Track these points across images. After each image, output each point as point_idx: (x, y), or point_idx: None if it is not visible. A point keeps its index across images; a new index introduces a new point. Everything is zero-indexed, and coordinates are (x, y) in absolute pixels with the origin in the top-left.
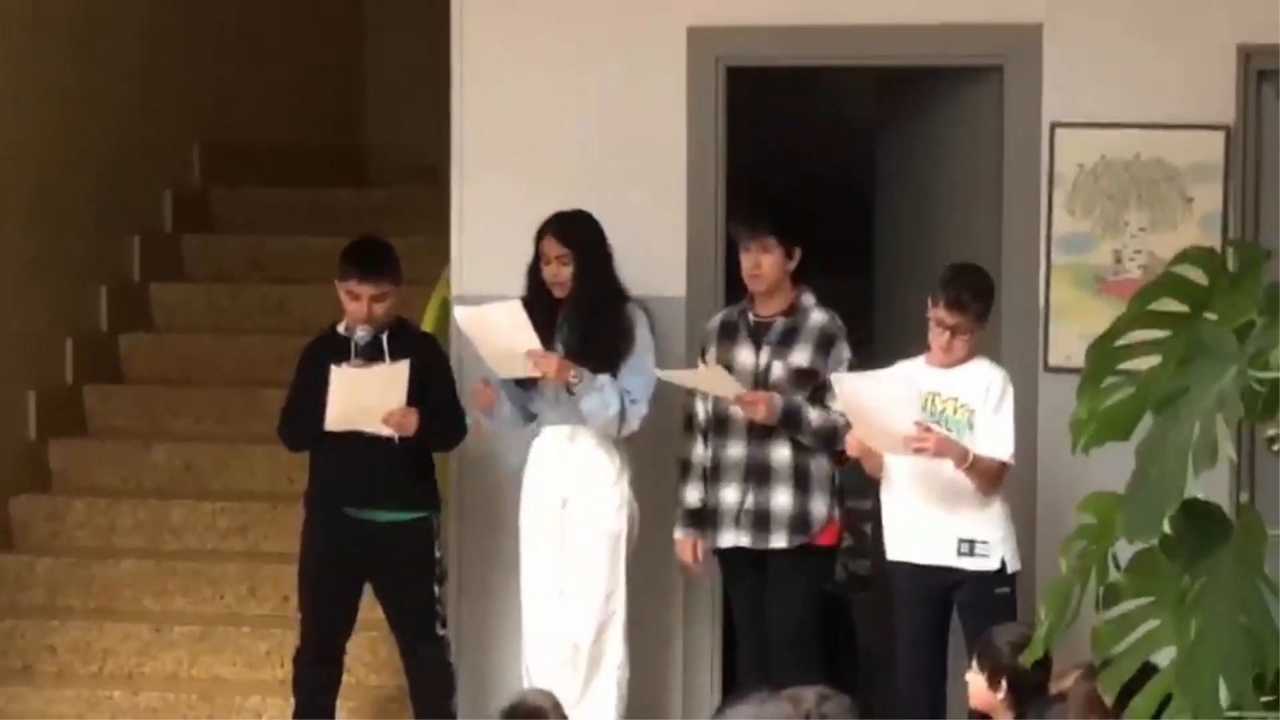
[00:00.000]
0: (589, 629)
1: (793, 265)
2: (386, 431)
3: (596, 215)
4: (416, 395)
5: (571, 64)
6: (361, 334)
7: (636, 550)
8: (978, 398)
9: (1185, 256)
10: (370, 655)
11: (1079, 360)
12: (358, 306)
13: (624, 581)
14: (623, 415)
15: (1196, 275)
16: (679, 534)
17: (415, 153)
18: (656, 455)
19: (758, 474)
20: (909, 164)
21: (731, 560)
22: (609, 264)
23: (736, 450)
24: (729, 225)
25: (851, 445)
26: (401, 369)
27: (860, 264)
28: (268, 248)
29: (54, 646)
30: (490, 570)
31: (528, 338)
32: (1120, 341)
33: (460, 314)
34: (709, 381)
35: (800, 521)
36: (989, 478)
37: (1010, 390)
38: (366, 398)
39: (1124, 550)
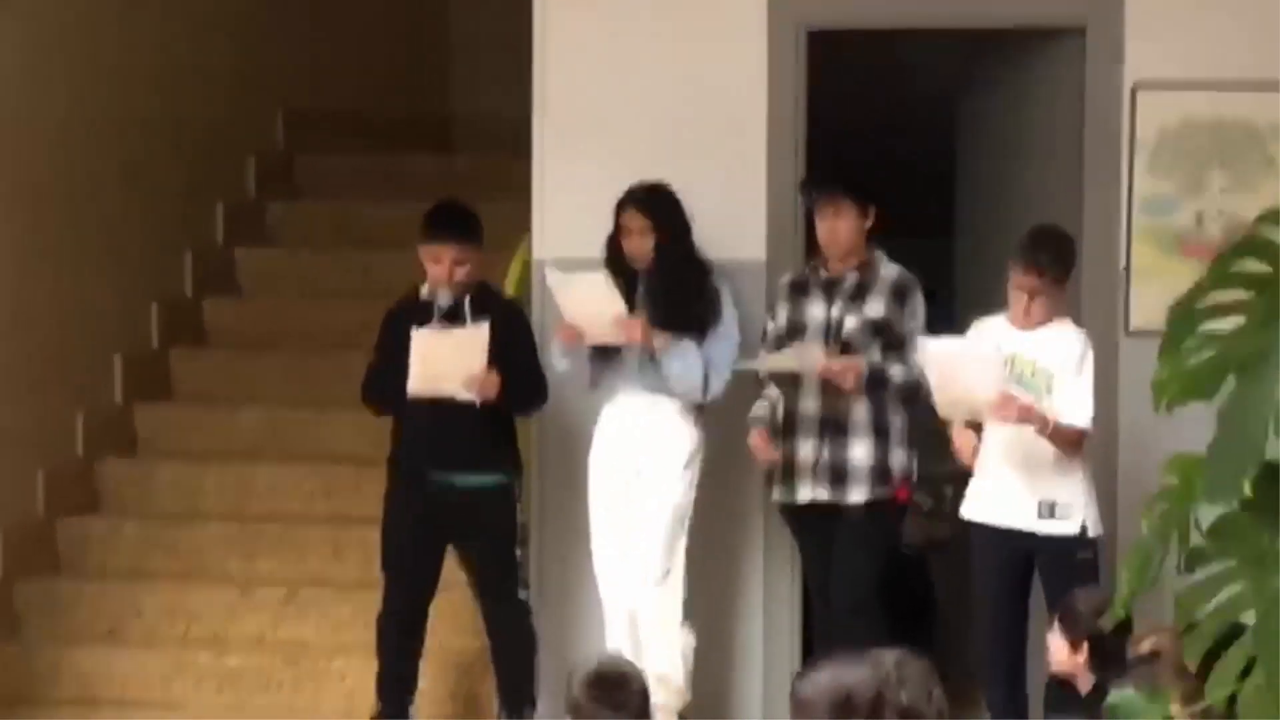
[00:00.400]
0: (648, 598)
1: (868, 225)
2: (468, 395)
3: (678, 180)
4: (498, 359)
5: (652, 30)
6: (443, 297)
7: (715, 516)
8: (1057, 361)
9: (1268, 217)
10: (452, 617)
11: (1160, 323)
12: (439, 269)
13: (683, 555)
14: (706, 381)
15: (1279, 236)
16: (751, 436)
17: (498, 120)
18: (734, 424)
19: (834, 428)
20: (991, 126)
21: (803, 517)
22: (689, 236)
23: (811, 403)
24: (803, 191)
25: (957, 446)
26: (481, 332)
27: (942, 225)
28: (351, 213)
29: (140, 609)
30: (570, 533)
31: (616, 304)
32: (1202, 303)
33: (551, 280)
34: (796, 361)
35: (881, 473)
36: (1068, 443)
37: (1090, 354)
38: (447, 361)
39: (1205, 514)
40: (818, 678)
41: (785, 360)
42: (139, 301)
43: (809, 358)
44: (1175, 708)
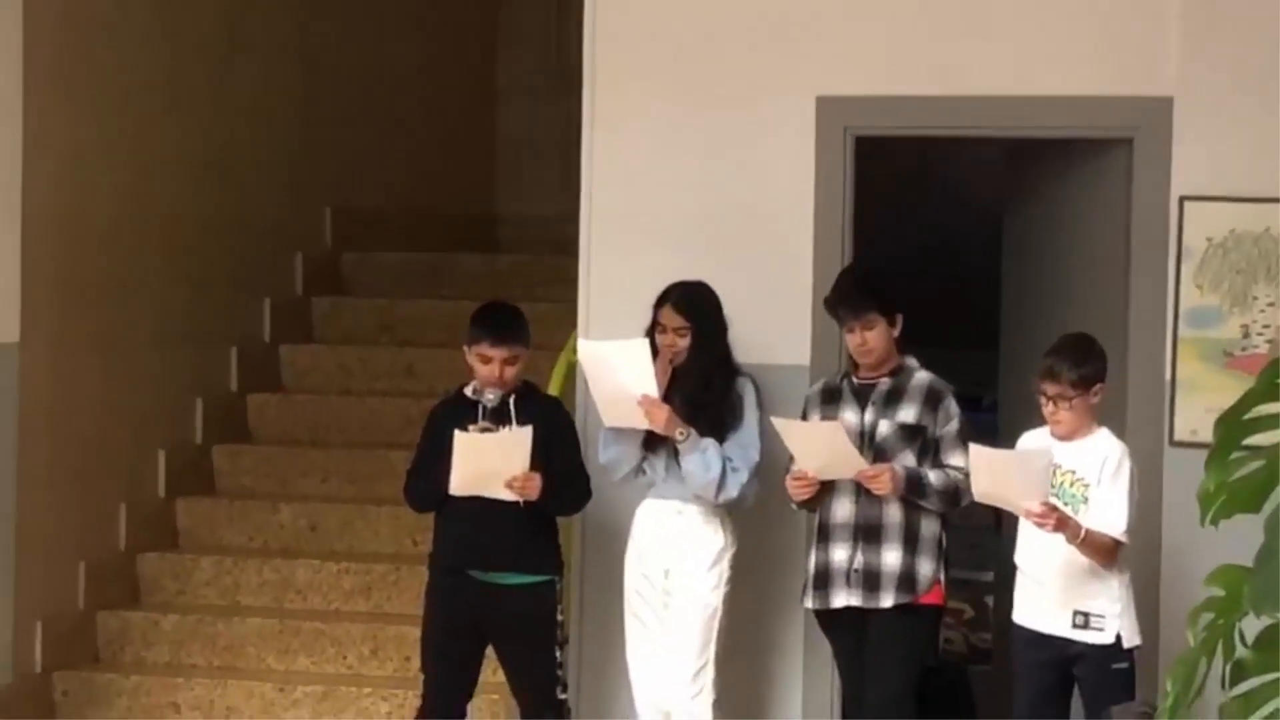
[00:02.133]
0: (679, 699)
1: (896, 333)
2: (510, 496)
3: (722, 283)
4: (541, 458)
5: (700, 133)
6: (490, 397)
7: (751, 614)
8: (1094, 471)
9: None
10: (490, 718)
11: (1205, 434)
12: (489, 370)
13: (715, 657)
14: (722, 480)
15: None
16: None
17: (543, 220)
18: (772, 526)
19: (866, 533)
20: (1037, 235)
21: (836, 622)
22: (724, 337)
23: (845, 509)
24: (828, 307)
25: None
26: (525, 434)
27: (987, 336)
28: (396, 311)
29: (178, 704)
30: (610, 634)
31: (646, 381)
32: (1250, 414)
33: (584, 348)
34: (824, 443)
35: (907, 580)
36: (1102, 553)
37: (1127, 464)
38: (490, 462)
39: (1252, 626)
40: None
41: (814, 437)
42: (184, 396)
43: (840, 451)
44: None
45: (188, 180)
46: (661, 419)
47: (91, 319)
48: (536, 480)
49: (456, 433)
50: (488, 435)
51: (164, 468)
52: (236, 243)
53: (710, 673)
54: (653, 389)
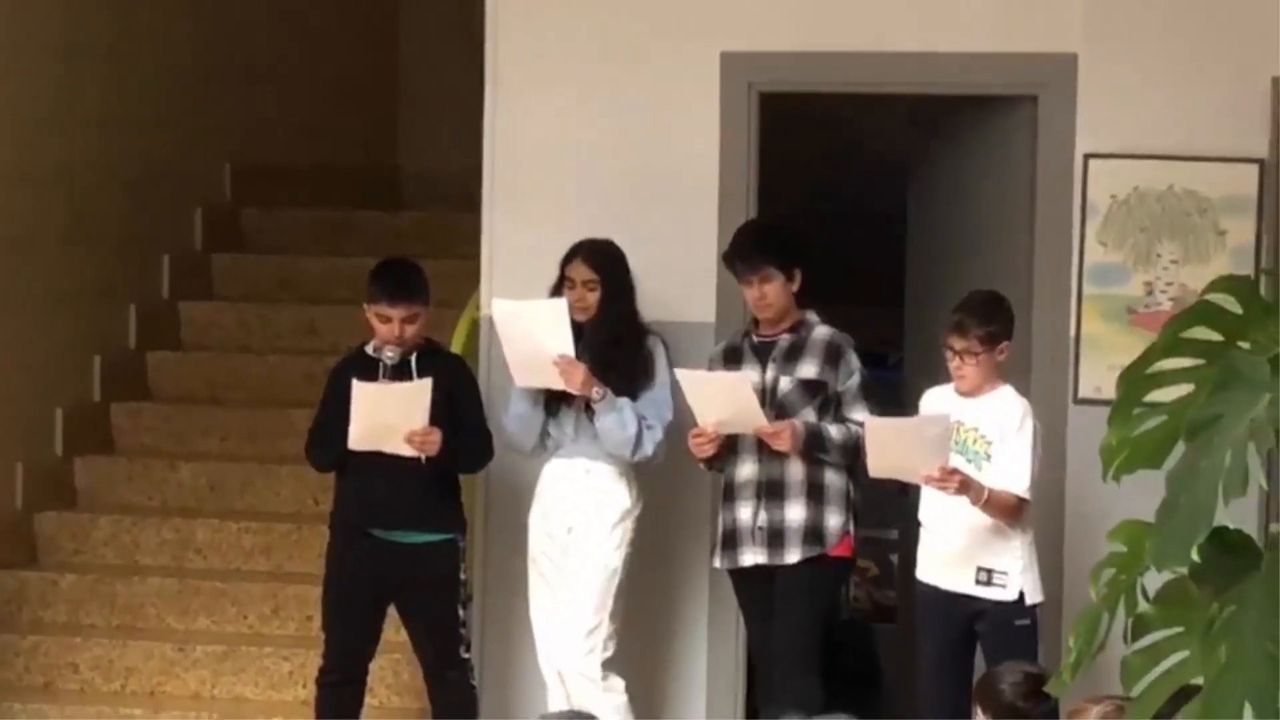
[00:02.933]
0: (571, 657)
1: (795, 287)
2: (409, 451)
3: (627, 240)
4: (445, 416)
5: (604, 89)
6: (390, 354)
7: (658, 574)
8: (996, 428)
9: (1218, 285)
10: (393, 677)
11: (1109, 392)
12: (388, 329)
13: (611, 616)
14: (638, 439)
15: (1230, 303)
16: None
17: (447, 177)
18: (678, 485)
19: (770, 490)
20: (943, 192)
21: (745, 580)
22: (632, 295)
23: (748, 468)
24: (726, 262)
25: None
26: (424, 387)
27: (892, 293)
28: (298, 268)
29: (76, 664)
30: (513, 593)
31: (563, 342)
32: (1152, 369)
33: (499, 307)
34: (726, 396)
35: (814, 534)
36: (1006, 511)
37: (1030, 422)
38: (388, 416)
39: (1153, 581)
40: None
41: (719, 388)
42: (82, 354)
43: (743, 403)
44: None
45: (84, 134)
46: (578, 379)
47: None
48: (436, 435)
49: (355, 382)
50: (386, 386)
51: (61, 426)
52: (135, 198)
53: (603, 632)
54: (569, 349)
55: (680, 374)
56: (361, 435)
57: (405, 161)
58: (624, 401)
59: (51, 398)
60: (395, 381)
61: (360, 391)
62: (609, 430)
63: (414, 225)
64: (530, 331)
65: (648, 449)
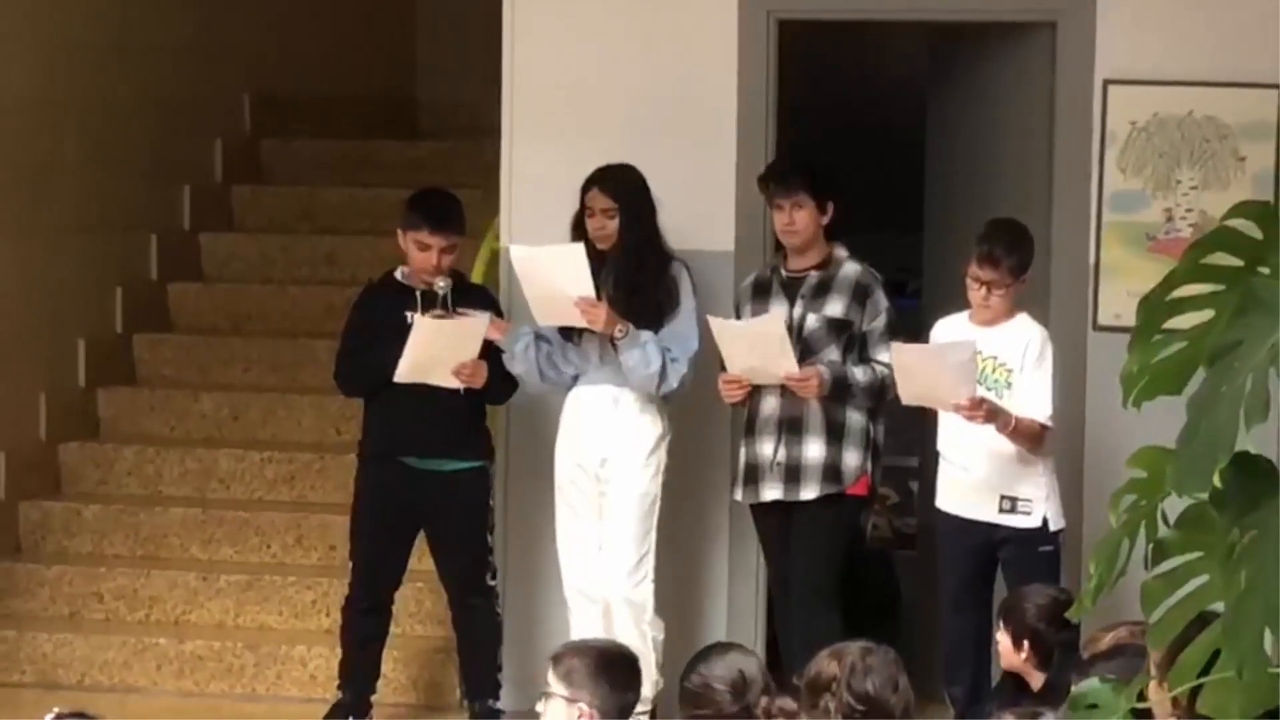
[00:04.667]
0: (622, 588)
1: (826, 220)
2: (453, 384)
3: (646, 169)
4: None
5: (622, 17)
6: (442, 284)
7: (681, 508)
8: (1016, 357)
9: (1239, 210)
10: (416, 606)
11: (1128, 319)
12: (426, 257)
13: (654, 544)
14: (663, 373)
15: (1250, 229)
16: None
17: (465, 107)
18: (700, 416)
19: (790, 426)
20: (961, 119)
21: (764, 514)
22: (654, 218)
23: (770, 404)
24: (761, 183)
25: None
26: (482, 321)
27: (911, 219)
28: (317, 199)
29: (101, 593)
30: (536, 522)
31: (583, 284)
32: (1172, 295)
33: (517, 253)
34: (759, 341)
35: (832, 471)
36: (1029, 439)
37: (1049, 349)
38: (443, 349)
39: (1173, 507)
40: (708, 668)
41: (750, 333)
42: (103, 285)
43: (773, 345)
44: (1154, 692)
45: (104, 63)
46: (601, 318)
47: (6, 206)
48: (484, 368)
49: (416, 317)
50: (449, 320)
51: (84, 357)
52: (155, 128)
53: (651, 560)
54: (590, 291)
55: (713, 322)
56: (412, 368)
57: (422, 92)
58: (648, 336)
59: (74, 329)
60: (436, 313)
61: (422, 325)
62: (633, 367)
63: (430, 155)
64: (551, 275)
65: (673, 383)
